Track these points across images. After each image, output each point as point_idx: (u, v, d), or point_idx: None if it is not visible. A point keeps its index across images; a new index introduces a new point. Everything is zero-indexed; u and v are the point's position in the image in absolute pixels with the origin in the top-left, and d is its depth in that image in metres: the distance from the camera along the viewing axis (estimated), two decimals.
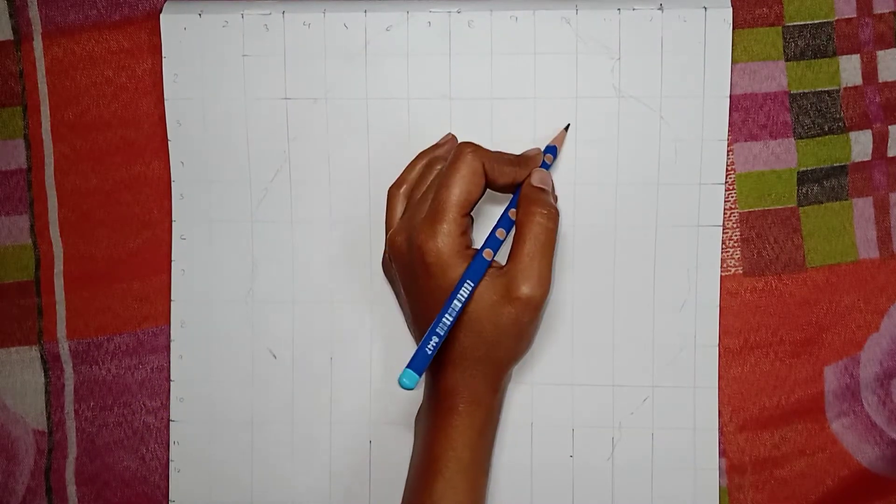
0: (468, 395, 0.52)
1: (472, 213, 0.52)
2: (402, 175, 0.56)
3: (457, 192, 0.50)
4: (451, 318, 0.49)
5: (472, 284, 0.49)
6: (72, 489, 0.60)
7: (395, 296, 0.57)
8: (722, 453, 0.57)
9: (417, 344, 0.55)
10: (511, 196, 0.53)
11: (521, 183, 0.53)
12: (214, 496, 0.59)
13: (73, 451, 0.59)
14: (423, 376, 0.54)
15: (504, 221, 0.52)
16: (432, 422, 0.52)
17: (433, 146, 0.56)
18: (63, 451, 0.59)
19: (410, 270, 0.52)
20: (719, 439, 0.57)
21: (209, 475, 0.59)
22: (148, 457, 0.60)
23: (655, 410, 0.57)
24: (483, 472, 0.53)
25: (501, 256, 0.52)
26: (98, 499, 0.60)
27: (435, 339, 0.48)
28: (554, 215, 0.51)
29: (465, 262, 0.50)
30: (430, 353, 0.48)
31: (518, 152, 0.55)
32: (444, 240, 0.50)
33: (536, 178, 0.53)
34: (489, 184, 0.52)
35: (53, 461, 0.59)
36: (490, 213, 0.56)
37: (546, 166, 0.54)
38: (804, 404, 0.57)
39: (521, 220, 0.51)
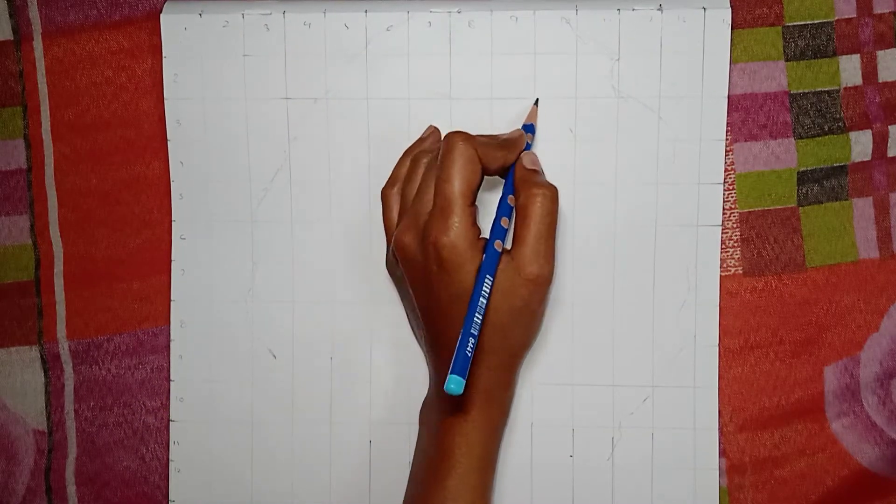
0: (483, 391, 0.52)
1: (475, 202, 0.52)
2: (392, 175, 0.56)
3: (458, 182, 0.50)
4: (480, 316, 0.49)
5: (492, 278, 0.49)
6: (72, 489, 0.60)
7: (399, 296, 0.57)
8: (722, 453, 0.57)
9: (422, 345, 0.55)
10: (503, 183, 0.53)
11: (511, 166, 0.53)
12: (214, 496, 0.59)
13: (73, 451, 0.59)
14: (432, 371, 0.54)
15: (504, 209, 0.52)
16: (445, 416, 0.52)
17: (417, 141, 0.56)
18: (63, 451, 0.59)
19: (422, 268, 0.51)
20: (719, 439, 0.57)
21: (209, 475, 0.59)
22: (148, 457, 0.59)
23: (655, 410, 0.56)
24: (493, 471, 0.54)
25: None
26: (98, 499, 0.60)
27: (471, 340, 0.48)
28: (554, 194, 0.51)
29: (480, 253, 0.50)
30: (469, 354, 0.48)
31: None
32: (456, 233, 0.49)
33: (528, 161, 0.53)
34: (483, 169, 0.52)
35: (53, 461, 0.59)
36: (485, 201, 0.56)
37: (528, 146, 0.55)
38: (804, 404, 0.57)
39: (524, 203, 0.51)
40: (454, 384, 0.46)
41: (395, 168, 0.56)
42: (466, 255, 0.49)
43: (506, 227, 0.51)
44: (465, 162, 0.50)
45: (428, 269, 0.51)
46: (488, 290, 0.49)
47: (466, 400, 0.52)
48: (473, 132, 0.55)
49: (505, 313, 0.51)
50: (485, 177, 0.52)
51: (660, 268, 0.56)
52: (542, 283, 0.51)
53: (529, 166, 0.53)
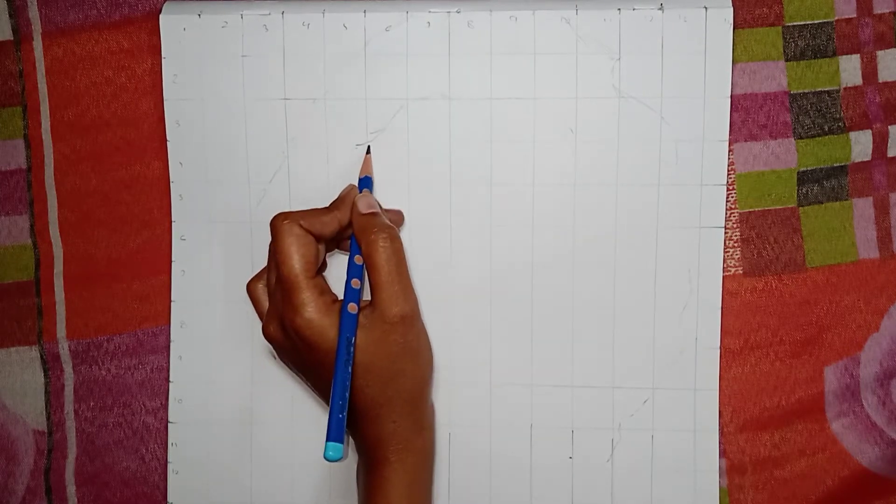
0: (395, 442, 0.52)
1: (322, 273, 0.53)
2: (260, 270, 0.56)
3: (292, 261, 0.50)
4: (347, 381, 0.49)
5: (351, 339, 0.50)
6: (71, 489, 0.60)
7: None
8: (722, 454, 0.57)
9: None
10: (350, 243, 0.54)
11: (351, 225, 0.53)
12: (213, 497, 0.59)
13: (72, 452, 0.60)
14: (349, 437, 0.54)
15: (353, 270, 0.52)
16: (366, 477, 0.52)
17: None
18: (63, 452, 0.60)
19: (295, 352, 0.52)
20: (719, 440, 0.57)
21: (208, 476, 0.59)
22: (147, 457, 0.60)
23: (656, 412, 0.56)
24: None
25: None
26: (97, 499, 0.60)
27: (340, 403, 0.48)
28: (393, 234, 0.51)
29: (337, 322, 0.50)
30: (342, 418, 0.48)
31: (515, 153, 0.56)
32: (309, 309, 0.50)
33: (363, 205, 0.53)
34: (319, 240, 0.52)
35: (53, 461, 0.60)
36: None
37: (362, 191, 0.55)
38: (804, 404, 0.57)
39: (367, 252, 0.51)
40: (332, 451, 0.47)
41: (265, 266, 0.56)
42: (324, 325, 0.50)
43: (357, 287, 0.52)
44: (293, 239, 0.51)
45: (299, 350, 0.51)
46: (351, 351, 0.49)
47: (382, 458, 0.52)
48: (473, 133, 0.56)
49: (385, 362, 0.51)
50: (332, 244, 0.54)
51: (661, 269, 0.56)
52: (409, 322, 0.51)
53: (365, 210, 0.53)
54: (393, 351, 0.51)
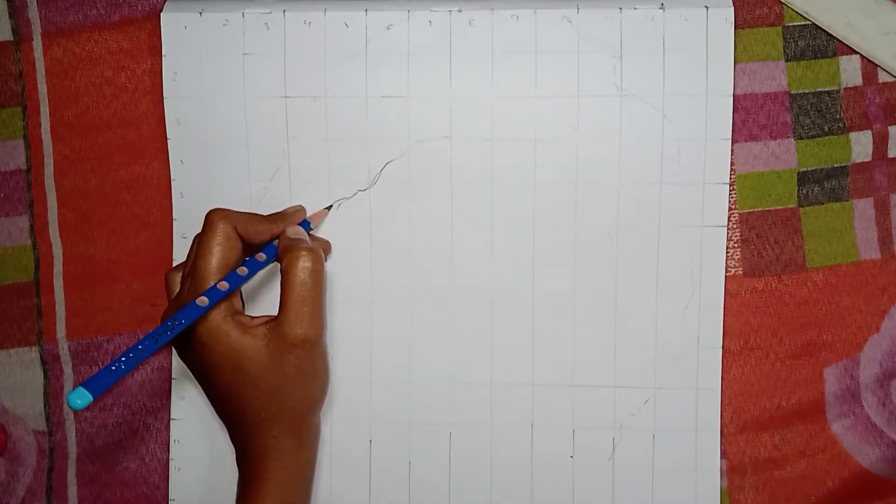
0: (273, 458, 0.51)
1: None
2: (181, 263, 0.55)
3: (212, 259, 0.50)
4: (146, 352, 0.47)
5: (178, 323, 0.48)
6: (73, 490, 0.59)
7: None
8: (722, 454, 0.57)
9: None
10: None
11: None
12: (214, 495, 0.58)
13: (73, 452, 0.59)
14: (233, 446, 0.54)
15: (250, 262, 0.52)
16: (242, 491, 0.52)
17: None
18: (63, 452, 0.59)
19: (186, 347, 0.51)
20: (720, 440, 0.57)
21: (209, 474, 0.59)
22: (148, 457, 0.59)
23: (657, 412, 0.56)
24: None
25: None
26: (98, 499, 0.60)
27: (122, 361, 0.45)
28: (316, 256, 0.51)
29: (236, 328, 0.50)
30: (114, 370, 0.45)
31: (516, 151, 0.56)
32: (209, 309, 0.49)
33: (291, 231, 0.53)
34: (247, 243, 0.52)
35: (55, 461, 0.59)
36: None
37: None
38: (804, 405, 0.57)
39: (285, 268, 0.50)
40: (79, 397, 0.43)
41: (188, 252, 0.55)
42: (220, 328, 0.49)
43: (243, 275, 0.51)
44: (223, 238, 0.50)
45: (190, 347, 0.51)
46: (168, 335, 0.47)
47: (259, 474, 0.51)
48: (475, 132, 0.56)
49: (277, 380, 0.50)
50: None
51: (663, 268, 0.56)
52: (309, 346, 0.51)
53: (292, 236, 0.53)
54: (286, 371, 0.50)
